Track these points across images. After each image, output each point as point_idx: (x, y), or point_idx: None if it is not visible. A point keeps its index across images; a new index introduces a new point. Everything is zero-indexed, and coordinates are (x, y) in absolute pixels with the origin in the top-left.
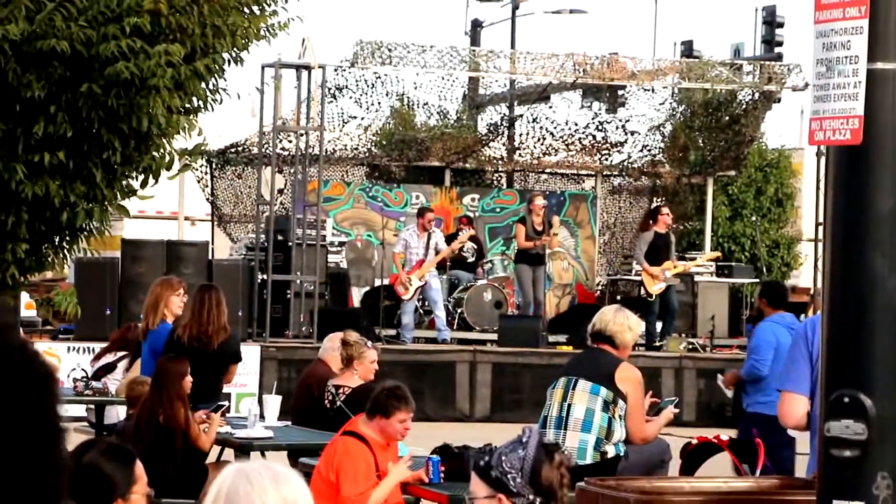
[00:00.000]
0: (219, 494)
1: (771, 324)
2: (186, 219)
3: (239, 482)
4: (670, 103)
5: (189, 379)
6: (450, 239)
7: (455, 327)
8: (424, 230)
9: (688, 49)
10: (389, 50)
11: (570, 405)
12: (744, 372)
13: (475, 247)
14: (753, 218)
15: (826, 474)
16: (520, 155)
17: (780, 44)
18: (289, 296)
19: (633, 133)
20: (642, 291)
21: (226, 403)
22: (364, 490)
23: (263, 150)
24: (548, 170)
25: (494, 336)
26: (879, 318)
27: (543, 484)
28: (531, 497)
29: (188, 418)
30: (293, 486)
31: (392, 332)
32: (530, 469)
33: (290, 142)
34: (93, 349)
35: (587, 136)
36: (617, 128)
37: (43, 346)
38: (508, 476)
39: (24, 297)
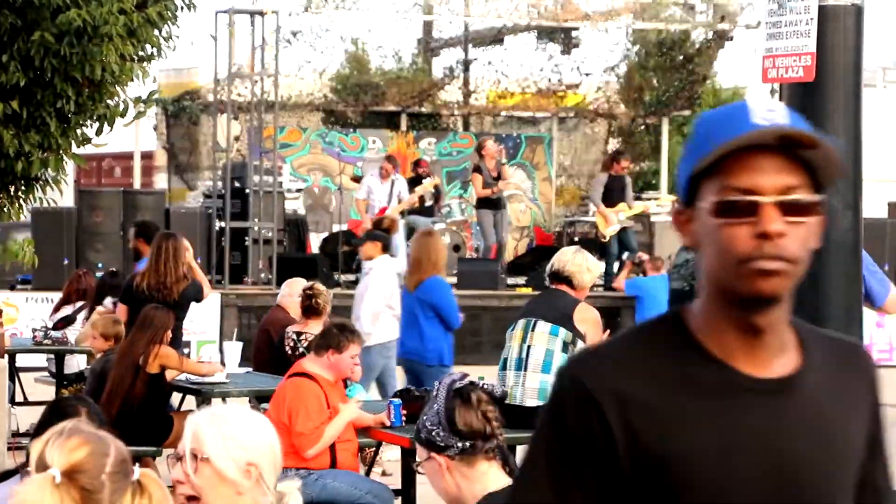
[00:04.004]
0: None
1: None
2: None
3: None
4: (624, 44)
5: (169, 334)
6: (409, 183)
7: None
8: (388, 176)
9: None
10: None
11: (529, 347)
12: None
13: (433, 191)
14: None
15: None
16: (475, 98)
17: None
18: (247, 243)
19: (587, 74)
20: (598, 233)
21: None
22: (318, 424)
23: (218, 97)
24: (503, 112)
25: (453, 279)
26: (833, 256)
27: (464, 428)
28: (459, 444)
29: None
30: (232, 426)
31: (352, 277)
32: (446, 418)
33: (246, 88)
34: (51, 299)
35: (542, 78)
36: (572, 69)
37: (1, 297)
38: (433, 433)
39: None
